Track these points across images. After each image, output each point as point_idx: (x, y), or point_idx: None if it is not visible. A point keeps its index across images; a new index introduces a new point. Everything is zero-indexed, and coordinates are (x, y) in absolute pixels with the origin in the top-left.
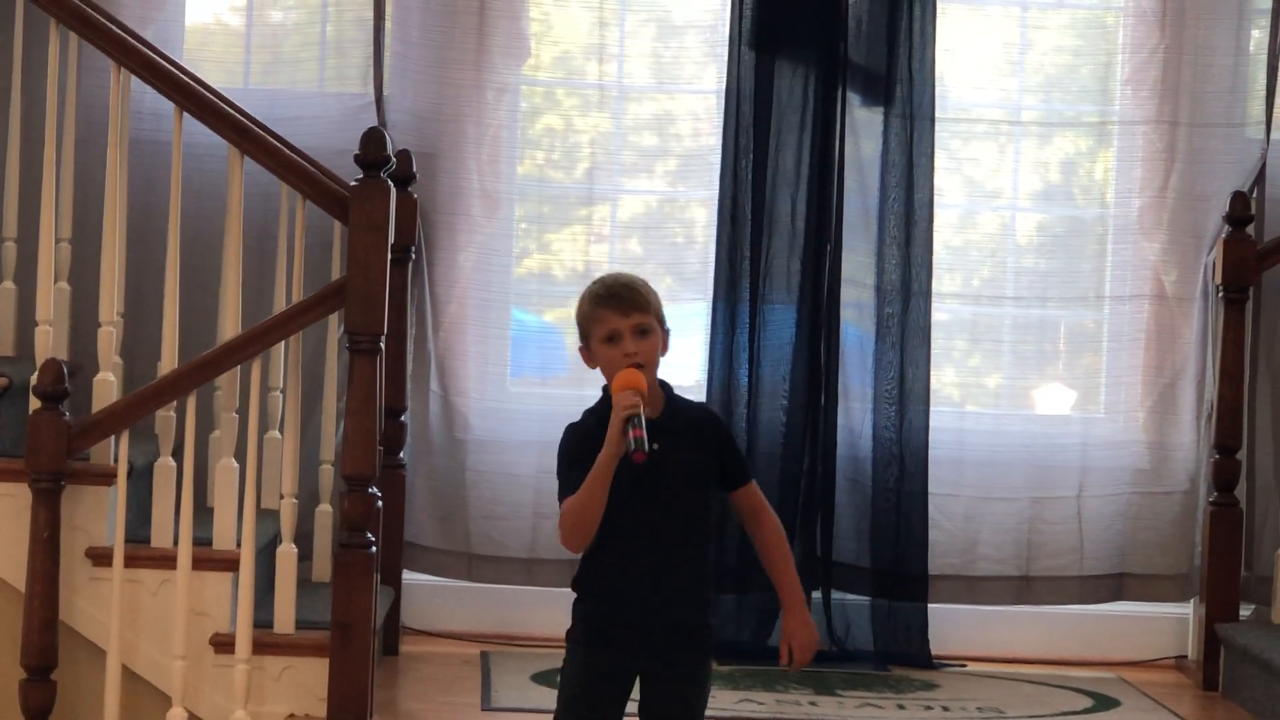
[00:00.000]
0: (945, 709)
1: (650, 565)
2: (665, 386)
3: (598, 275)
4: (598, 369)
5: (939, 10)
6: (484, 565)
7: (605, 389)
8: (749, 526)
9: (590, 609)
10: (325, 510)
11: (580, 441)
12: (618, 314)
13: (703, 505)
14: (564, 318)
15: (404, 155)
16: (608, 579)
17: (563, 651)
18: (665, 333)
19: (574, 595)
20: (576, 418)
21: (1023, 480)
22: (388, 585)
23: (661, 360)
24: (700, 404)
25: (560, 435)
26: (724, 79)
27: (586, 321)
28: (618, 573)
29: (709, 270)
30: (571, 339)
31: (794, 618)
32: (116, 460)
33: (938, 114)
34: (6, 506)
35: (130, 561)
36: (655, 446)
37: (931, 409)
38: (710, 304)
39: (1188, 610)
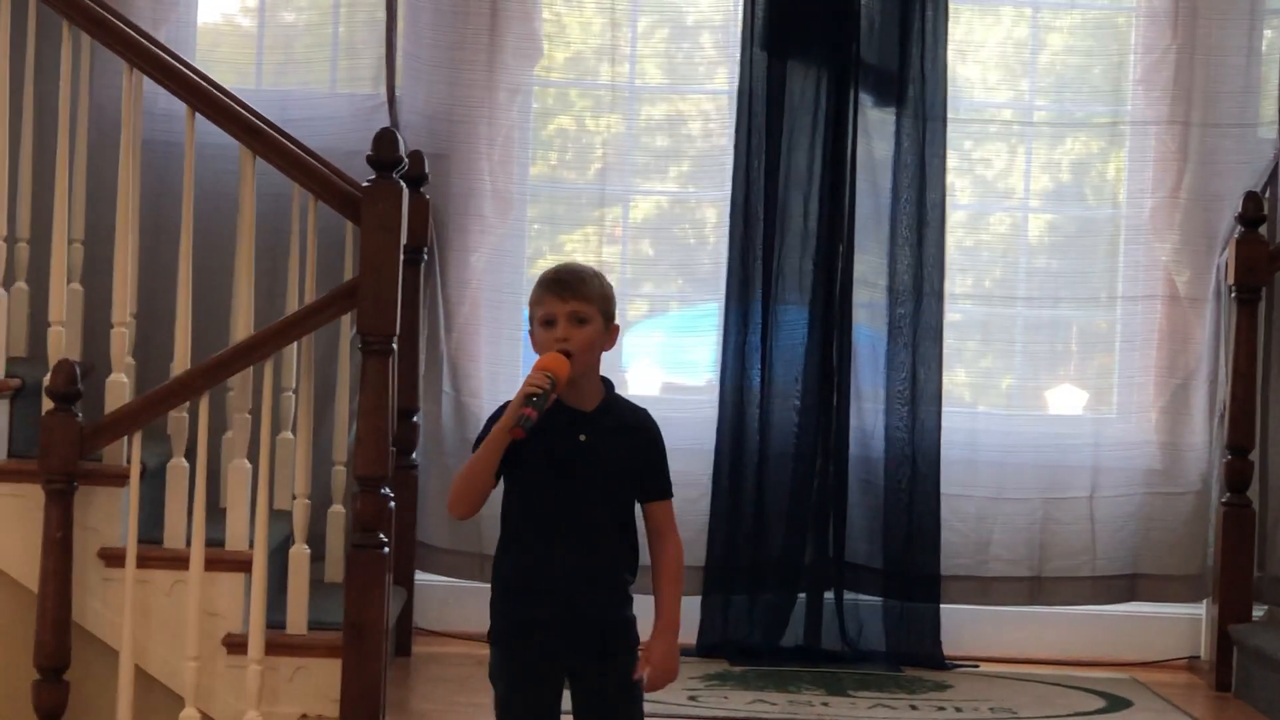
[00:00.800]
0: (958, 709)
1: (568, 559)
2: (607, 383)
3: (610, 276)
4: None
5: (951, 11)
6: None
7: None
8: (651, 543)
9: (510, 605)
10: (338, 511)
11: (498, 416)
12: (557, 299)
13: (625, 504)
14: None
15: (416, 156)
16: (524, 573)
17: None
18: (613, 328)
19: (492, 593)
20: None
21: (1035, 481)
22: (400, 586)
23: (604, 354)
24: (641, 409)
25: None
26: (736, 80)
27: (531, 305)
28: (536, 566)
29: (721, 271)
30: None
31: (660, 640)
32: (129, 461)
33: (950, 114)
34: (19, 507)
35: (143, 562)
36: (583, 438)
37: (944, 409)
38: (723, 304)
39: (1200, 611)
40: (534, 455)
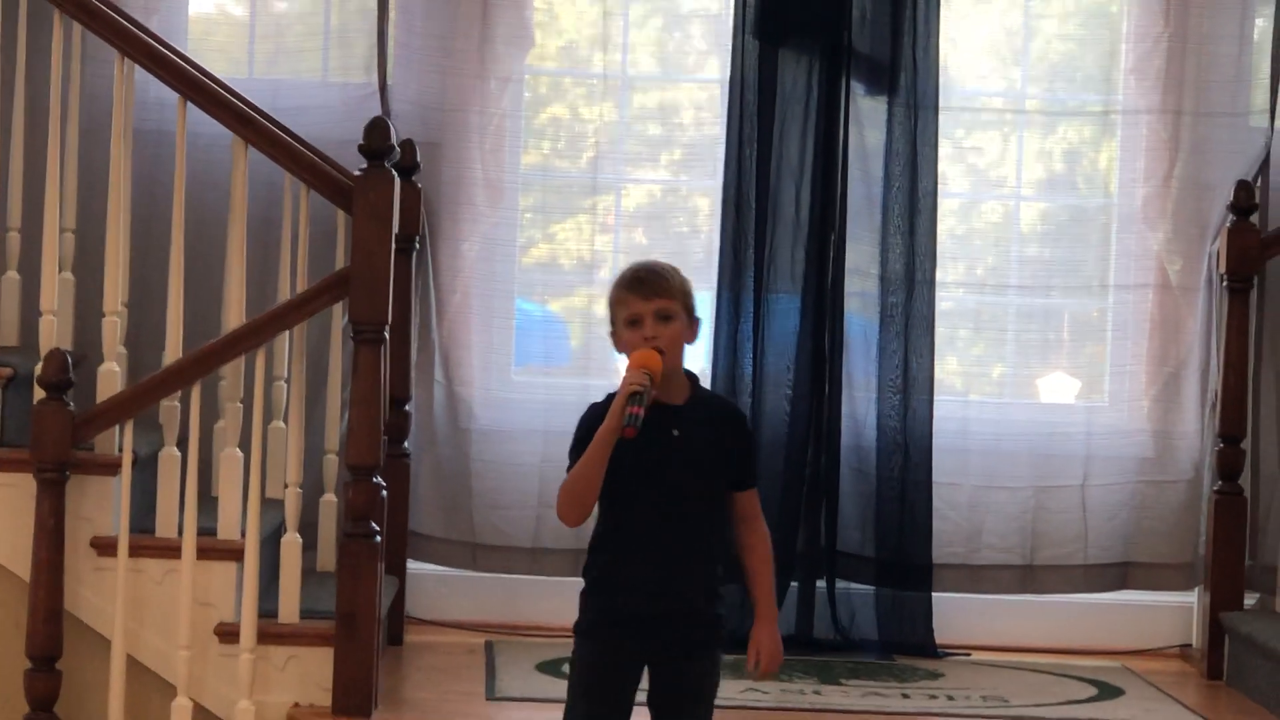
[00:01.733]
0: (950, 698)
1: (661, 554)
2: (692, 376)
3: (603, 265)
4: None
5: None
6: (488, 554)
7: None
8: (740, 531)
9: (599, 599)
10: (330, 500)
11: (595, 420)
12: (640, 298)
13: (717, 497)
14: (568, 308)
15: (408, 145)
16: (618, 568)
17: (567, 641)
18: (695, 321)
19: (582, 585)
20: (581, 407)
21: (1027, 469)
22: (392, 575)
23: (688, 348)
24: (728, 399)
25: (562, 423)
26: (728, 68)
27: (613, 305)
28: (628, 561)
29: (713, 260)
30: (576, 328)
31: (766, 629)
32: (121, 450)
33: (941, 103)
34: (11, 497)
35: (135, 551)
36: (676, 433)
37: (936, 398)
38: (715, 293)
39: (1192, 599)
40: (628, 452)
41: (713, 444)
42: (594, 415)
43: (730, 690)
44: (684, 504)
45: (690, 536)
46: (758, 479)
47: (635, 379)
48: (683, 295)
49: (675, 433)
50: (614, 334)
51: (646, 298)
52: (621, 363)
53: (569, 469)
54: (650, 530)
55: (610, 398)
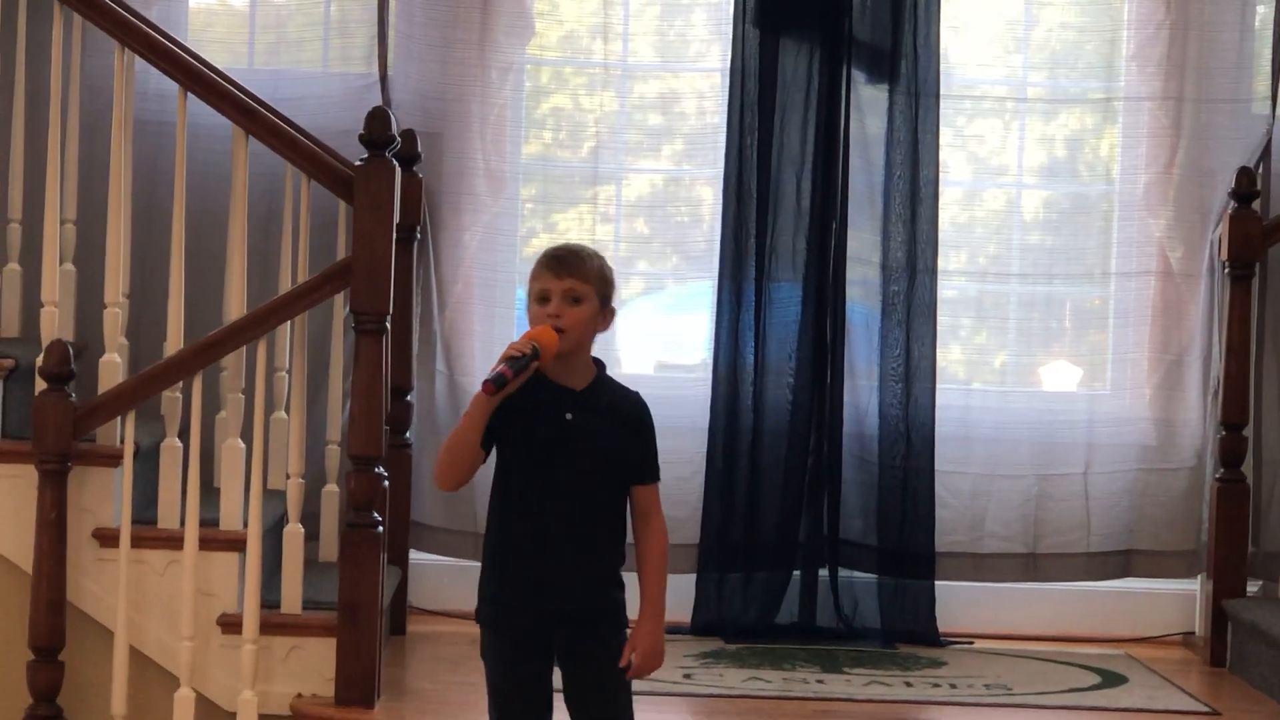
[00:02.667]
0: (953, 686)
1: (554, 538)
2: (599, 364)
3: (603, 255)
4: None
5: None
6: None
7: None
8: (637, 526)
9: (500, 587)
10: (332, 490)
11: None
12: (552, 275)
13: (612, 484)
14: None
15: (409, 135)
16: (518, 554)
17: None
18: (608, 310)
19: (480, 573)
20: None
21: (1029, 457)
22: (395, 565)
23: (598, 336)
24: (632, 391)
25: None
26: (729, 57)
27: (530, 280)
28: (521, 544)
29: (715, 249)
30: None
31: (645, 627)
32: (123, 441)
33: (942, 91)
34: (13, 488)
35: (137, 542)
36: (569, 417)
37: (938, 386)
38: (716, 283)
39: (1195, 586)
40: (520, 433)
41: (608, 433)
42: None
43: (733, 679)
44: (574, 489)
45: (580, 522)
46: (657, 475)
47: (519, 346)
48: (599, 281)
49: (569, 416)
50: (528, 309)
51: (559, 276)
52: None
53: None
54: (541, 513)
55: None
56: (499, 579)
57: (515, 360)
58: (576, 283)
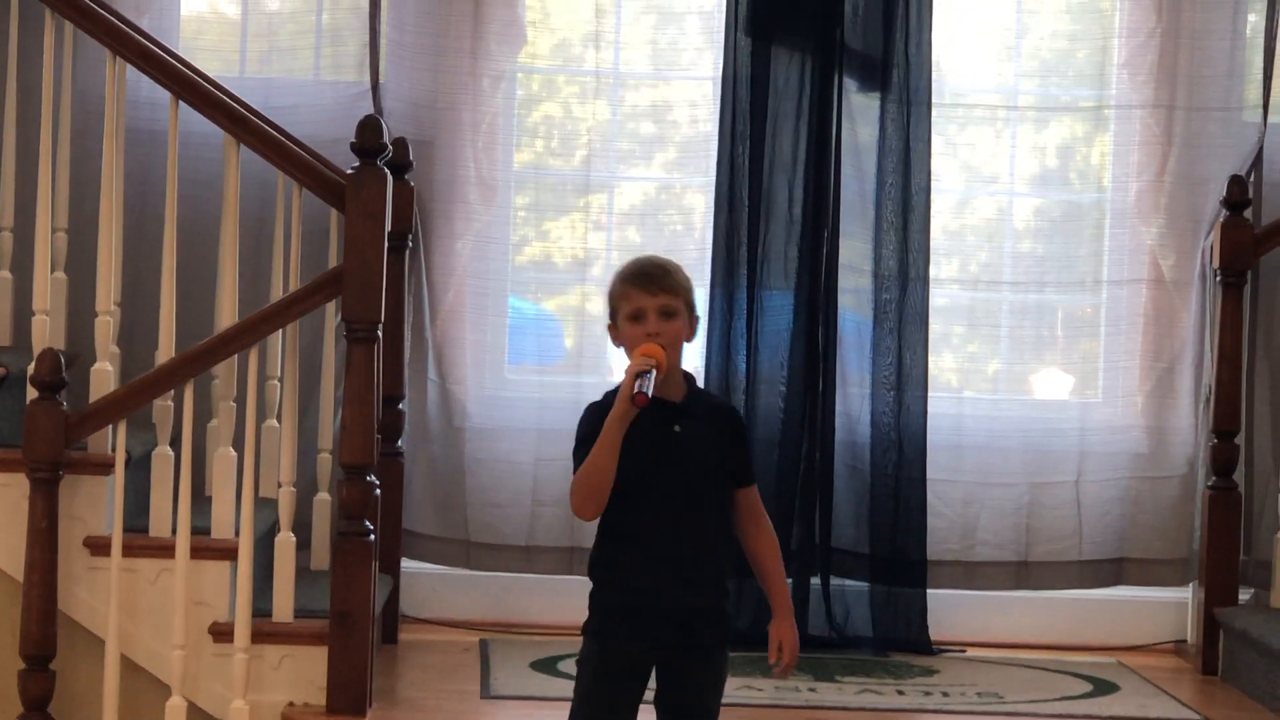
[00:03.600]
0: (945, 694)
1: (669, 551)
2: (689, 376)
3: (596, 263)
4: (622, 349)
5: None
6: (482, 553)
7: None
8: (745, 527)
9: (608, 599)
10: (323, 499)
11: (598, 419)
12: (645, 293)
13: (720, 493)
14: (562, 306)
15: (400, 143)
16: (627, 566)
17: (562, 639)
18: (694, 319)
19: (590, 585)
20: (575, 405)
21: (1021, 465)
22: (386, 573)
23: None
24: (723, 398)
25: (556, 421)
26: (720, 66)
27: (615, 299)
28: (636, 559)
29: (706, 257)
30: (569, 326)
31: (785, 622)
32: (114, 449)
33: (934, 99)
34: (4, 497)
35: (128, 551)
36: (678, 429)
37: (930, 394)
38: (708, 291)
39: (1187, 594)
40: (630, 449)
41: (712, 440)
42: (596, 412)
43: (726, 687)
44: (688, 500)
45: (696, 533)
46: (755, 476)
47: (641, 362)
48: (685, 292)
49: (676, 429)
50: (613, 327)
51: (652, 293)
52: (617, 358)
53: (575, 469)
54: (655, 527)
55: (609, 395)
56: (613, 590)
57: (647, 375)
58: (669, 298)
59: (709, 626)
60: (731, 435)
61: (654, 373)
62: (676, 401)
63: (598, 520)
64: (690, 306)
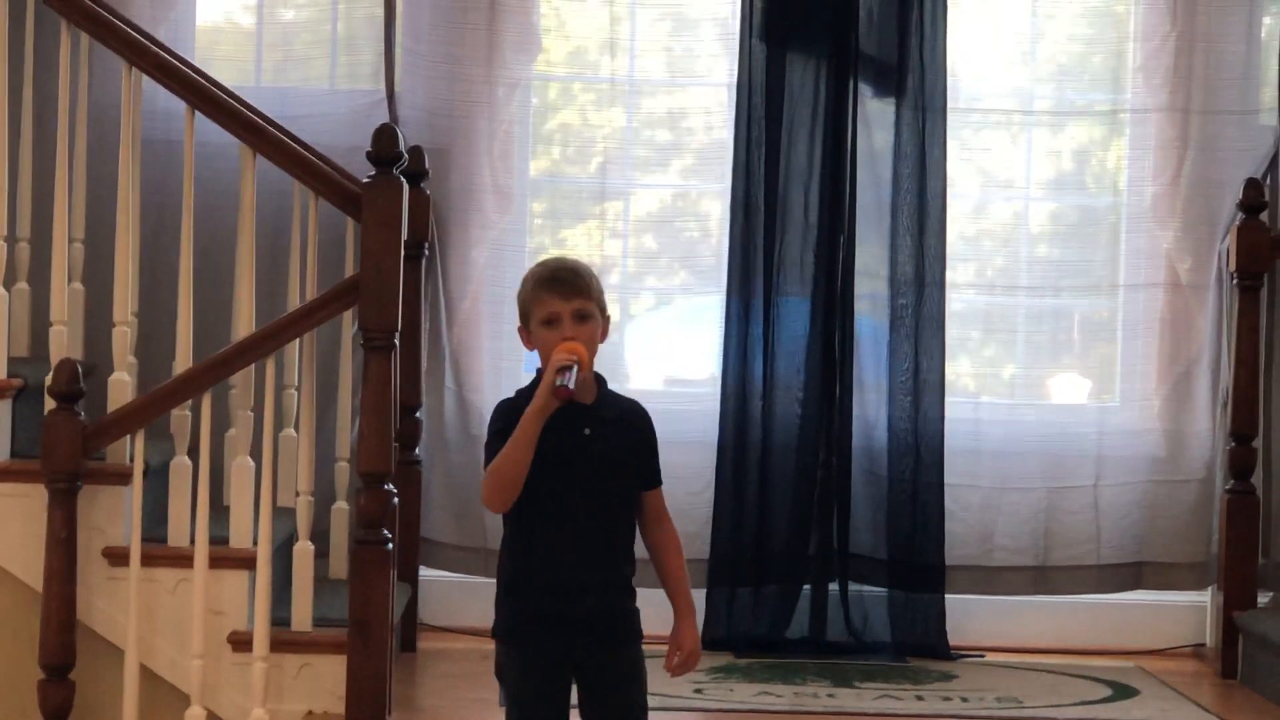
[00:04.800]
0: (964, 699)
1: (576, 553)
2: (600, 379)
3: (613, 270)
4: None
5: (950, 1)
6: None
7: (538, 372)
8: (649, 530)
9: (517, 602)
10: (341, 508)
11: (511, 414)
12: (559, 297)
13: (629, 495)
14: None
15: (416, 151)
16: (534, 568)
17: None
18: (605, 320)
19: (497, 589)
20: None
21: (1039, 470)
22: (405, 582)
23: (600, 347)
24: (633, 400)
25: None
26: (736, 72)
27: (527, 303)
28: (543, 561)
29: (723, 264)
30: None
31: (686, 625)
32: (132, 460)
33: (950, 104)
34: (23, 507)
35: (147, 561)
36: (588, 431)
37: (947, 399)
38: (724, 297)
39: (1205, 598)
40: (539, 450)
41: (623, 442)
42: (509, 407)
43: (743, 693)
44: (597, 501)
45: (603, 534)
46: (661, 479)
47: (563, 358)
48: (598, 294)
49: (586, 431)
50: (524, 331)
51: (566, 297)
52: (531, 358)
53: (486, 462)
54: (564, 528)
55: (521, 393)
56: (520, 594)
57: (571, 370)
58: (584, 302)
59: (618, 624)
60: (640, 438)
61: (576, 368)
62: (588, 404)
63: (513, 526)
64: (602, 308)
